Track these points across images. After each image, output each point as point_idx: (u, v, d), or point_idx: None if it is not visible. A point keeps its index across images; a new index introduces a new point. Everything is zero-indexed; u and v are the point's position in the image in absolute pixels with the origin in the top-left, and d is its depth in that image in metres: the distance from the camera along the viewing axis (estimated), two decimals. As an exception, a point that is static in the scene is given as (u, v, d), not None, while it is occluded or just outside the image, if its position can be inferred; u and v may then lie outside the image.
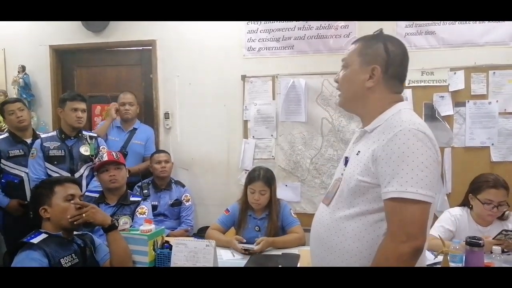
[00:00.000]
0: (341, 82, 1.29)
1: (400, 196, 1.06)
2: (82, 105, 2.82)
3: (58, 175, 2.64)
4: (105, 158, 2.49)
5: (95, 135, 2.99)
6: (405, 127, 1.10)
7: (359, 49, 1.25)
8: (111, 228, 1.82)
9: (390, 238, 1.09)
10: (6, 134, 2.99)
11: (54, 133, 2.85)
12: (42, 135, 2.85)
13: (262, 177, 2.40)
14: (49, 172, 2.71)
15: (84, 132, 2.90)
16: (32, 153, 2.76)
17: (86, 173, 2.80)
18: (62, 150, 2.76)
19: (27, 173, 2.84)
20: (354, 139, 1.32)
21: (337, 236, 1.20)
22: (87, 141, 2.86)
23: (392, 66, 1.21)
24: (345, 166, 1.27)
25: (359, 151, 1.22)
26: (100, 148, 2.91)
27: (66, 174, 2.68)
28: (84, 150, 2.81)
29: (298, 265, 2.05)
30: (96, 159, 2.82)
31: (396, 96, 1.25)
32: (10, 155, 2.90)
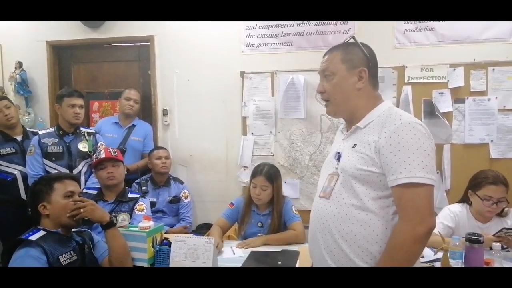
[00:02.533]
0: (331, 91, 1.36)
1: (411, 181, 1.16)
2: (80, 101, 2.81)
3: (56, 171, 2.63)
4: (103, 155, 2.47)
5: (93, 131, 2.98)
6: (405, 120, 1.22)
7: (341, 57, 1.34)
8: (109, 225, 1.81)
9: (405, 222, 1.18)
10: None
11: (52, 129, 2.84)
12: (40, 132, 2.83)
13: (264, 172, 2.39)
14: (47, 169, 2.70)
15: (82, 129, 2.89)
16: (30, 150, 2.74)
17: (84, 169, 2.80)
18: (60, 147, 2.75)
19: (20, 171, 2.83)
20: (344, 137, 1.39)
21: (347, 225, 1.26)
22: (85, 137, 2.85)
23: (372, 66, 1.34)
24: (338, 161, 1.35)
25: (355, 144, 1.31)
26: (98, 144, 2.90)
27: (64, 170, 2.67)
28: (82, 146, 2.81)
29: (298, 262, 2.04)
30: (94, 155, 2.80)
31: (378, 94, 1.38)
32: (2, 153, 2.88)
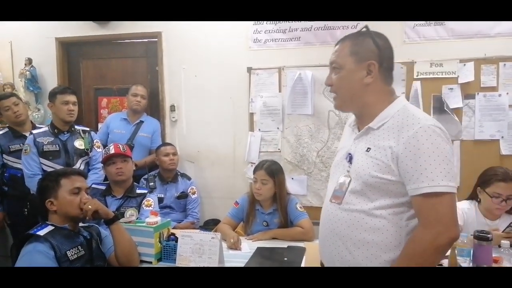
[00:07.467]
0: (337, 84, 1.30)
1: (434, 190, 1.11)
2: (73, 98, 2.79)
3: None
4: (112, 150, 2.49)
5: (88, 129, 2.97)
6: (423, 124, 1.15)
7: (349, 48, 1.27)
8: (114, 219, 1.82)
9: (427, 230, 1.13)
10: (6, 129, 3.00)
11: (46, 128, 2.81)
12: (34, 131, 2.80)
13: (265, 167, 2.39)
14: (45, 168, 2.68)
15: (76, 127, 2.87)
16: (25, 149, 2.72)
17: (82, 167, 2.77)
18: (57, 145, 2.73)
19: None
20: (355, 136, 1.31)
21: (359, 231, 1.23)
22: (81, 135, 2.84)
23: (384, 59, 1.26)
24: (350, 163, 1.29)
25: (368, 148, 1.24)
26: (94, 142, 2.90)
27: None
28: (79, 144, 2.80)
29: (304, 259, 2.04)
30: (91, 152, 2.83)
31: (391, 89, 1.30)
32: (11, 149, 2.92)
